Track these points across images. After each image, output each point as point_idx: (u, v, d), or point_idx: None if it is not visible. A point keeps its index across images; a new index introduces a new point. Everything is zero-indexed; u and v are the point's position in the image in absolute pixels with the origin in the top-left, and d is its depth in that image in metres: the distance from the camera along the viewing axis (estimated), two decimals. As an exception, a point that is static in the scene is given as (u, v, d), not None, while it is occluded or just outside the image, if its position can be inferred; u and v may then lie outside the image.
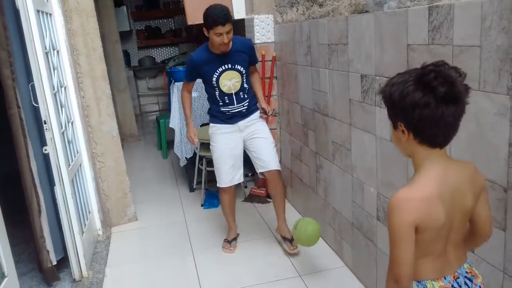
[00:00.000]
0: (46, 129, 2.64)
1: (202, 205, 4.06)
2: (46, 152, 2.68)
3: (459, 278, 1.30)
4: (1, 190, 2.97)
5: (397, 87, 1.18)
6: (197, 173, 4.14)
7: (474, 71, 1.54)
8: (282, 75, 3.75)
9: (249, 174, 4.54)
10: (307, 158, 3.39)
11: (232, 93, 2.98)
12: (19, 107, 2.56)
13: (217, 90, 2.96)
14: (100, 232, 3.55)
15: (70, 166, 2.92)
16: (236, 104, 3.00)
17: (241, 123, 3.05)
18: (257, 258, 3.09)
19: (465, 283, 1.31)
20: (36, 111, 2.69)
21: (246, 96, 3.03)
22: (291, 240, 3.07)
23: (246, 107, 3.04)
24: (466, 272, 1.33)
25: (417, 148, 1.23)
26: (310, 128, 3.24)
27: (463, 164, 1.31)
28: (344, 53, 2.53)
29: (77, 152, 3.27)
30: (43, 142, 2.71)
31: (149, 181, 4.88)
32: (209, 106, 3.15)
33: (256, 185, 4.25)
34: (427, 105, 1.14)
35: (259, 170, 3.13)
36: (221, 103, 3.00)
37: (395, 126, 1.25)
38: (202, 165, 4.04)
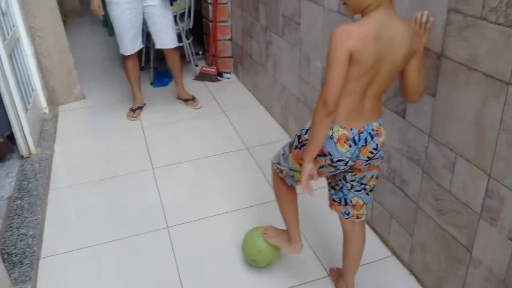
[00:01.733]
0: (-27, -3, 2.43)
1: (151, 84, 4.01)
2: (-24, 23, 2.49)
3: (363, 133, 1.42)
4: None
5: None
6: (145, 52, 4.01)
7: None
8: None
9: (200, 53, 4.45)
10: (257, 34, 3.33)
11: None
12: None
13: None
14: (47, 111, 3.47)
15: (7, 40, 2.75)
16: None
17: None
18: (206, 133, 3.18)
19: (365, 139, 1.42)
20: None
21: None
22: (192, 99, 3.51)
23: None
24: (372, 130, 1.44)
25: None
26: (261, 2, 3.14)
27: (408, 23, 1.37)
28: None
29: (13, 26, 3.06)
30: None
31: (96, 60, 4.71)
32: None
33: (206, 63, 4.20)
34: None
35: (157, 46, 3.38)
36: None
37: None
38: (149, 42, 3.90)
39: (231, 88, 3.88)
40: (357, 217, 1.64)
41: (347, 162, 1.45)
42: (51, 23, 3.43)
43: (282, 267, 2.01)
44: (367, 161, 1.46)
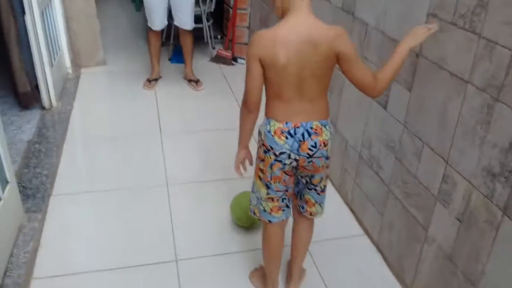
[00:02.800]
0: (17, -44, 2.68)
1: (169, 59, 4.25)
2: (16, -21, 2.74)
3: (299, 128, 1.49)
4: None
5: None
6: (167, 28, 4.24)
7: None
8: None
9: (218, 36, 4.68)
10: (273, 23, 3.53)
11: None
12: None
13: None
14: (70, 71, 3.74)
15: (40, -2, 3.01)
16: None
17: None
18: (213, 110, 3.41)
19: (302, 134, 1.49)
20: None
21: None
22: (195, 81, 3.71)
23: None
24: (311, 128, 1.50)
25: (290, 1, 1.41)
26: (279, -6, 3.35)
27: (328, 27, 1.43)
28: None
29: (48, -14, 3.32)
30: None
31: (120, 31, 4.97)
32: None
33: (223, 47, 4.43)
34: None
35: (175, 23, 3.58)
36: None
37: None
38: (172, 19, 4.13)
39: (243, 73, 4.08)
40: (310, 214, 1.72)
41: (289, 155, 1.52)
42: (83, -11, 3.69)
43: None
44: (308, 157, 1.52)
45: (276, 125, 1.50)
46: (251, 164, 1.70)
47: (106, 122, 3.17)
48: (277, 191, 1.62)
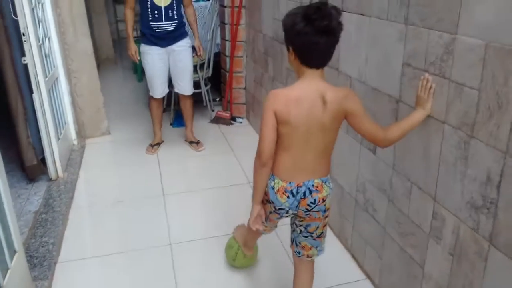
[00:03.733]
0: (25, 41, 2.90)
1: (171, 124, 4.42)
2: (25, 62, 2.94)
3: (301, 187, 1.62)
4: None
5: (290, 18, 1.48)
6: (167, 95, 4.44)
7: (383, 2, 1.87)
8: (250, 4, 3.99)
9: (217, 99, 4.87)
10: (266, 83, 3.73)
11: (161, 7, 3.35)
12: (2, 18, 2.78)
13: (149, 2, 3.33)
14: (75, 142, 3.90)
15: (47, 77, 3.21)
16: (164, 21, 3.40)
17: (169, 48, 3.51)
18: (214, 168, 3.51)
19: (304, 192, 1.63)
20: (16, 24, 2.92)
21: (175, 17, 3.43)
22: (196, 143, 3.86)
23: (173, 27, 3.43)
24: (312, 186, 1.63)
25: (300, 67, 1.54)
26: (270, 55, 3.55)
27: (338, 89, 1.58)
28: (298, -15, 2.80)
29: (54, 66, 3.54)
30: (22, 55, 2.96)
31: (123, 101, 5.19)
32: None
33: (222, 108, 4.60)
34: (306, 34, 1.44)
35: (175, 89, 3.81)
36: (150, 17, 3.38)
37: (287, 49, 1.55)
38: (172, 87, 4.34)
39: (242, 131, 4.25)
40: (308, 256, 1.81)
41: (288, 210, 1.68)
42: (87, 67, 3.92)
43: (267, 283, 2.26)
44: (306, 211, 1.66)
45: (280, 184, 1.64)
46: (264, 220, 1.79)
47: (110, 188, 3.26)
48: (270, 223, 1.85)
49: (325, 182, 1.66)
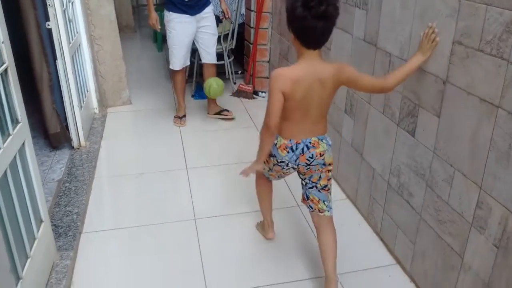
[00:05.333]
0: (49, 5, 2.81)
1: (192, 96, 4.34)
2: (49, 27, 2.87)
3: (300, 144, 1.82)
4: None
5: (291, 3, 1.62)
6: (189, 66, 4.35)
7: (436, -24, 1.75)
8: (278, -25, 3.84)
9: (239, 72, 4.77)
10: (293, 58, 3.61)
11: None
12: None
13: None
14: (97, 111, 3.85)
15: (71, 44, 3.13)
16: None
17: (198, 15, 3.45)
18: (236, 143, 3.45)
19: (302, 149, 1.83)
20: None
21: None
22: (225, 110, 3.82)
23: None
24: (309, 143, 1.83)
25: (300, 47, 1.71)
26: (298, 29, 3.42)
27: (330, 65, 1.75)
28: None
29: (77, 32, 3.46)
30: (46, 19, 2.88)
31: (144, 71, 5.11)
32: None
33: (244, 81, 4.50)
34: (304, 18, 1.59)
35: (203, 60, 3.74)
36: None
37: (289, 30, 1.69)
38: (194, 58, 4.25)
39: (264, 105, 4.14)
40: (320, 211, 1.95)
41: (288, 163, 1.88)
42: (109, 34, 3.83)
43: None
44: (306, 166, 1.86)
45: (282, 141, 1.85)
46: (270, 168, 2.02)
47: (132, 159, 3.22)
48: (275, 173, 2.04)
49: (322, 139, 1.85)
